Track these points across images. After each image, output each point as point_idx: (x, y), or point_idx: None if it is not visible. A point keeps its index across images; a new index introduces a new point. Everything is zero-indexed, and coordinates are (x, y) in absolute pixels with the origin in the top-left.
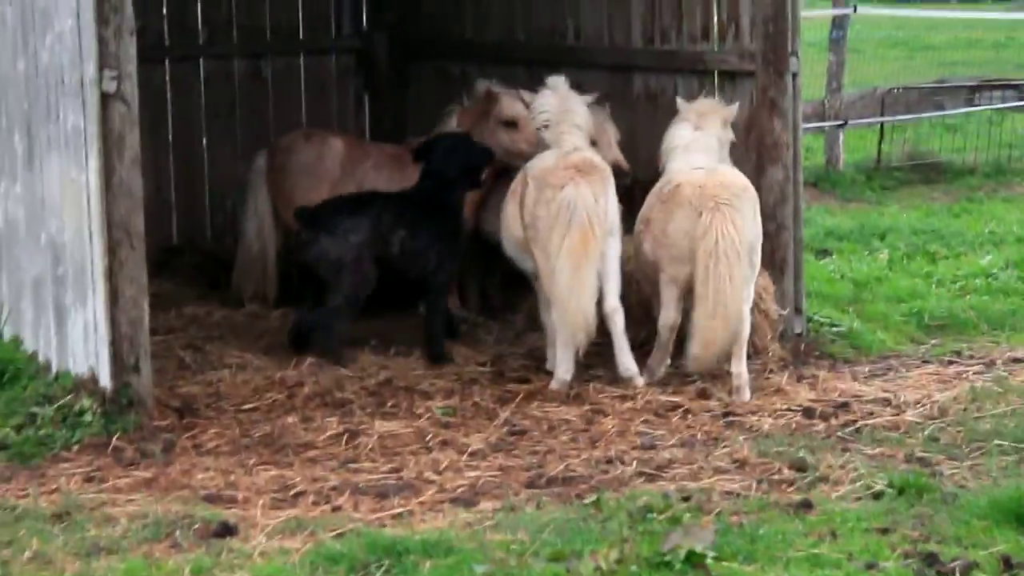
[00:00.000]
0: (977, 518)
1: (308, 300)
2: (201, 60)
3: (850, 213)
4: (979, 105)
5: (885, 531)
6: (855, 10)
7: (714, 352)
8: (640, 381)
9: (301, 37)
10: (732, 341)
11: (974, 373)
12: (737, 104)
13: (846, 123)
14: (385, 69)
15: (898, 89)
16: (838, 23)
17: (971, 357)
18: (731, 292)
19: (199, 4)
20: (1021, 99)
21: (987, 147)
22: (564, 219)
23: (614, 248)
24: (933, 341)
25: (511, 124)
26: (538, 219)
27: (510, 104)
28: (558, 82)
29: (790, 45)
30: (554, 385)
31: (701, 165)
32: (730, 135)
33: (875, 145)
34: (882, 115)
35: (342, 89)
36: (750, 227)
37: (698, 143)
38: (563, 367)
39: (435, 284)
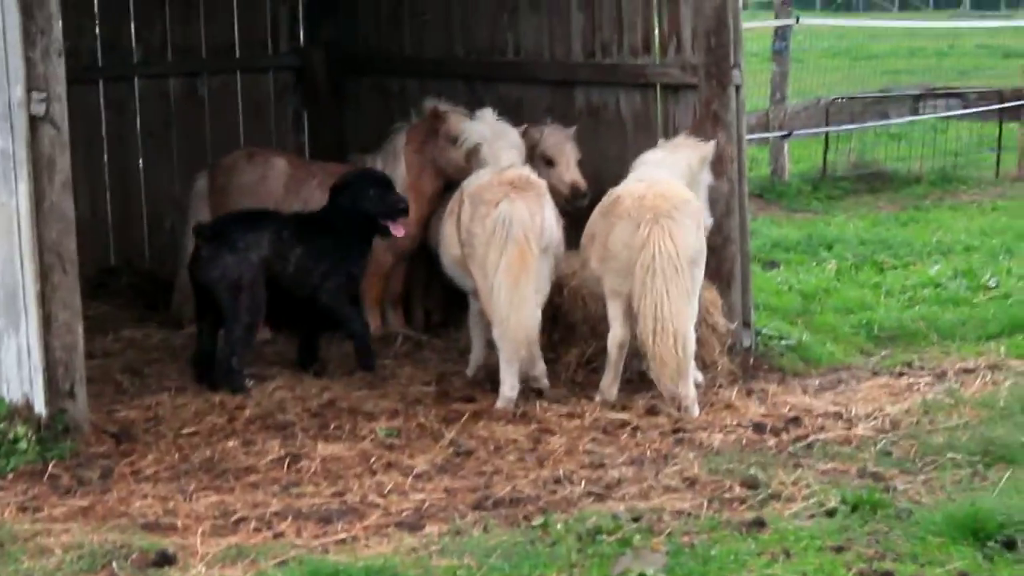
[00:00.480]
0: (932, 535)
1: (200, 326)
2: (136, 80)
3: (796, 223)
4: (923, 114)
5: (839, 549)
6: (798, 20)
7: (672, 370)
8: (545, 383)
9: (237, 55)
10: (680, 358)
11: (925, 385)
12: (714, 143)
13: (791, 134)
14: (323, 86)
15: (842, 99)
16: (780, 34)
17: (922, 368)
18: (669, 307)
19: (132, 23)
20: (965, 107)
21: (932, 155)
22: (500, 236)
23: (546, 265)
24: (883, 352)
25: (458, 142)
26: (474, 236)
27: (457, 121)
28: (485, 114)
29: (732, 57)
30: (500, 403)
31: (645, 178)
32: (708, 176)
33: (820, 155)
34: (826, 125)
35: (280, 106)
36: (690, 240)
37: (662, 162)
38: (507, 384)
39: (332, 305)
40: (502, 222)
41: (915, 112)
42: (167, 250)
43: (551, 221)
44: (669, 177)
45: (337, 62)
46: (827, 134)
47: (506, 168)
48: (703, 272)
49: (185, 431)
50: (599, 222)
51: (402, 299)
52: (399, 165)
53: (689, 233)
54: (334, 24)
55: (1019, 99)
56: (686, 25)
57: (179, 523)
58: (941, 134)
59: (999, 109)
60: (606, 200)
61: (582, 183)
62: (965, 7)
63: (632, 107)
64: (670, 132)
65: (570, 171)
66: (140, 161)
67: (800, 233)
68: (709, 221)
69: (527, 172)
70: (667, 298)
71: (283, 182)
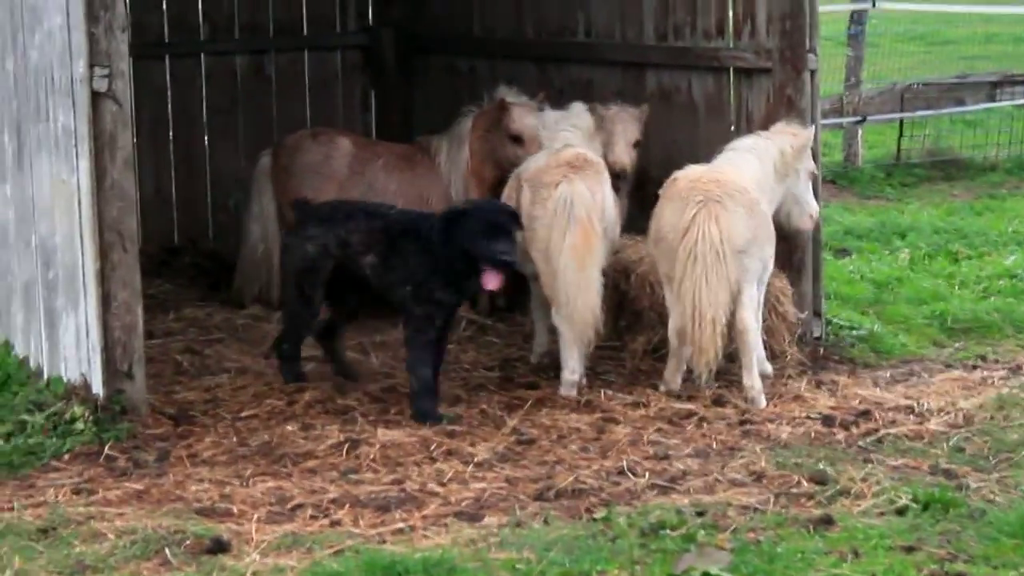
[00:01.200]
0: (1006, 536)
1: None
2: (202, 57)
3: (869, 210)
4: (1000, 100)
5: (910, 549)
6: (874, 4)
7: (710, 358)
8: (573, 380)
9: (305, 33)
10: (718, 346)
11: (1000, 379)
12: (813, 129)
13: (864, 119)
14: (391, 65)
15: (917, 85)
16: (856, 18)
17: (996, 362)
18: (708, 294)
19: (200, 0)
20: None
21: (1008, 143)
22: (563, 217)
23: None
24: (957, 345)
25: (517, 139)
26: (535, 219)
27: (520, 118)
28: (576, 107)
29: (808, 42)
30: (563, 389)
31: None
32: (810, 164)
33: (894, 141)
34: (901, 111)
35: (347, 86)
36: (739, 229)
37: (752, 148)
38: (568, 368)
39: (411, 315)
40: (564, 203)
41: (992, 99)
42: (231, 229)
43: (610, 200)
44: (757, 163)
45: (406, 41)
46: (901, 120)
47: (561, 149)
48: (760, 262)
49: (244, 414)
50: (657, 204)
51: None
52: (463, 150)
53: (738, 221)
54: (403, 2)
55: None
56: (761, 8)
57: (235, 509)
58: (1018, 122)
59: None
60: (667, 182)
61: (620, 163)
62: None
63: (704, 91)
64: (742, 117)
65: (615, 151)
66: (205, 139)
67: (873, 220)
68: (815, 209)
69: (584, 151)
70: (706, 285)
71: (347, 162)
